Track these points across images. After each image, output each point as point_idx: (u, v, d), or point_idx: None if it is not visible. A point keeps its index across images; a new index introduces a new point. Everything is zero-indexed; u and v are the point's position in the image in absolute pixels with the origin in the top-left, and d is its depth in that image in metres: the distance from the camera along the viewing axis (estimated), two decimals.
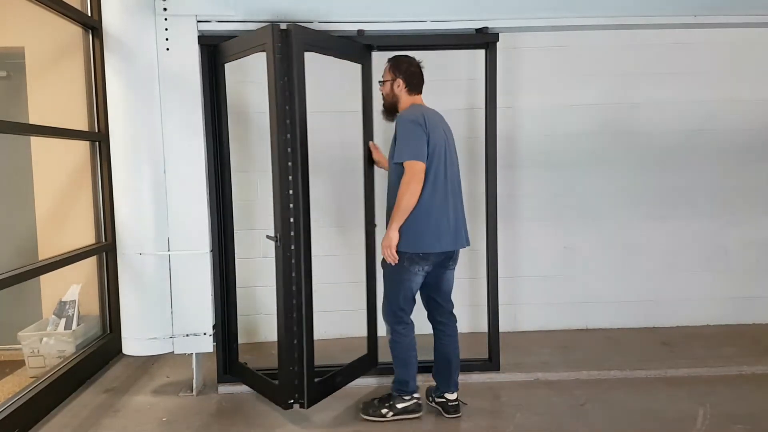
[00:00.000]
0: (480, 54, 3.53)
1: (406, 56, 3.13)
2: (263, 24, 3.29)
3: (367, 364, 3.55)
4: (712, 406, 3.17)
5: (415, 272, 2.97)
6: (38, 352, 3.71)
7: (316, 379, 3.15)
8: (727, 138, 4.42)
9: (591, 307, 4.47)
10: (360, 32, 3.34)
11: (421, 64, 3.12)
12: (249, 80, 4.14)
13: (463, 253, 4.37)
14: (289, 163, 2.99)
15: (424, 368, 3.26)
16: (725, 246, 4.49)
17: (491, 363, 3.63)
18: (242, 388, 3.48)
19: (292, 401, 3.09)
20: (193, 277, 3.35)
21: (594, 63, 4.32)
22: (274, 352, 4.07)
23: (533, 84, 4.31)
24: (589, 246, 4.44)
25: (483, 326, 3.72)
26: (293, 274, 3.04)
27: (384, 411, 3.08)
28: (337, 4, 3.31)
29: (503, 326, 3.68)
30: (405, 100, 3.10)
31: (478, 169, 3.98)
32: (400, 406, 3.09)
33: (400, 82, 3.08)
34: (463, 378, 3.53)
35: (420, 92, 3.13)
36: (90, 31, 3.83)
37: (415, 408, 3.11)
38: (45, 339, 3.73)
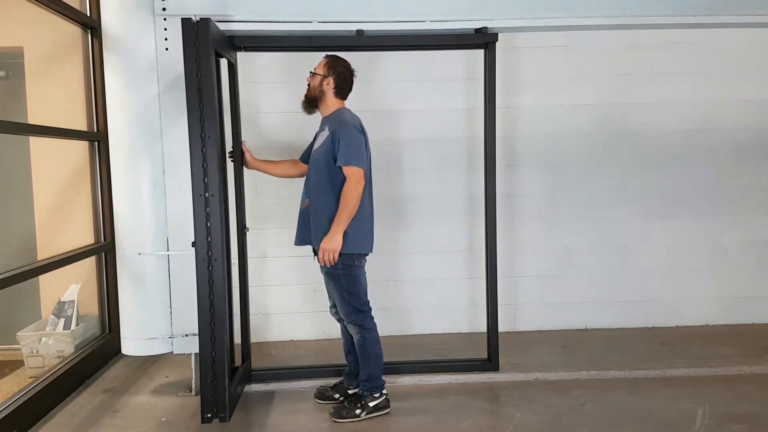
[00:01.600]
0: (479, 54, 3.53)
1: (344, 60, 3.15)
2: (262, 23, 3.30)
3: (248, 372, 3.55)
4: (712, 406, 3.16)
5: (363, 266, 3.12)
6: (37, 352, 3.70)
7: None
8: (728, 138, 4.41)
9: (590, 307, 4.46)
10: (359, 32, 3.33)
11: (354, 74, 3.15)
12: (247, 80, 4.13)
13: (462, 253, 4.41)
14: (204, 165, 2.88)
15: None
16: (725, 246, 4.49)
17: (490, 363, 3.63)
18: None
19: (209, 415, 2.97)
20: (192, 277, 3.34)
21: (594, 63, 4.32)
22: (273, 352, 4.09)
23: (533, 84, 4.30)
24: (588, 246, 4.44)
25: (482, 326, 3.72)
26: (210, 282, 2.91)
27: (357, 411, 3.09)
28: (337, 4, 3.31)
29: (502, 326, 3.68)
30: (330, 101, 3.11)
31: (478, 169, 3.98)
32: (372, 404, 3.11)
33: (330, 81, 3.08)
34: (462, 378, 3.54)
35: (344, 99, 3.15)
36: (89, 31, 3.83)
37: (386, 404, 3.15)
38: (44, 339, 3.73)
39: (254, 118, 4.20)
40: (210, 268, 2.92)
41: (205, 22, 2.87)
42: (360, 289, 3.11)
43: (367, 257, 3.14)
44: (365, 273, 3.14)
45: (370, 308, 3.15)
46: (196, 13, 3.22)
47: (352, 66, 3.14)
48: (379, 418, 3.10)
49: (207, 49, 2.87)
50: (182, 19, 2.87)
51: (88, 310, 4.02)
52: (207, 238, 2.90)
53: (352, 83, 3.15)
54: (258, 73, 4.14)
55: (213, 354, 2.93)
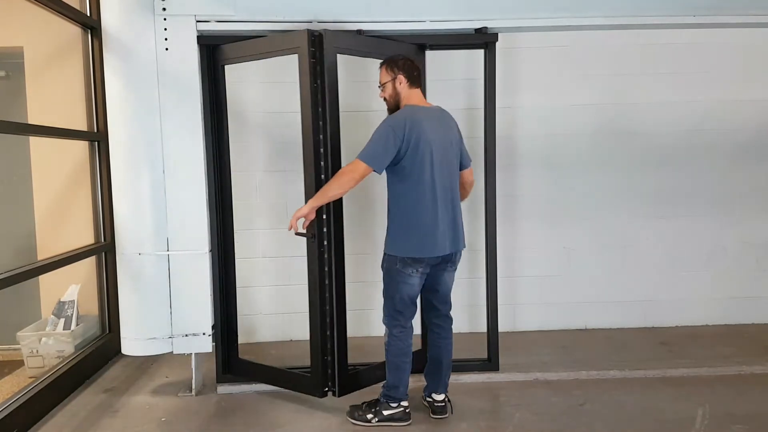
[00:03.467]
0: (479, 54, 3.53)
1: (398, 54, 3.08)
2: (262, 23, 3.30)
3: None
4: (712, 406, 3.17)
5: (409, 274, 2.92)
6: (37, 352, 3.70)
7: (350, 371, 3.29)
8: (727, 138, 4.41)
9: (590, 307, 4.46)
10: (359, 32, 3.34)
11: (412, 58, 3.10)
12: (248, 80, 4.13)
13: (462, 253, 4.39)
14: (321, 163, 3.09)
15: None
16: (725, 246, 4.49)
17: (490, 363, 3.62)
18: (241, 388, 3.48)
19: (326, 389, 3.22)
20: (192, 277, 3.35)
21: (594, 63, 4.32)
22: (273, 352, 4.10)
23: (533, 84, 4.31)
24: (588, 246, 4.44)
25: (482, 326, 3.72)
26: (326, 269, 3.15)
27: (369, 416, 3.02)
28: (337, 4, 3.31)
29: (502, 326, 3.68)
30: (405, 96, 2.98)
31: (477, 169, 3.97)
32: (386, 413, 3.01)
33: (401, 78, 2.96)
34: (462, 378, 3.54)
35: (419, 86, 3.04)
36: (89, 30, 3.82)
37: (402, 416, 3.03)
38: (44, 339, 3.73)
39: (252, 119, 4.20)
40: (325, 257, 3.16)
41: (325, 33, 3.08)
42: (397, 296, 2.95)
43: (422, 265, 2.91)
44: (414, 283, 2.94)
45: (405, 319, 3.00)
46: (195, 12, 3.24)
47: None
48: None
49: (323, 57, 3.08)
50: (308, 30, 3.05)
51: (88, 310, 4.02)
52: (323, 230, 3.14)
53: (417, 67, 3.03)
54: (252, 74, 4.14)
55: (328, 333, 3.20)
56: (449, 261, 3.01)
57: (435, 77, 4.23)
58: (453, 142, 3.00)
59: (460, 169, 3.07)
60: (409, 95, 2.99)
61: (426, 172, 2.88)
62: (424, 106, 3.01)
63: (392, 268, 2.95)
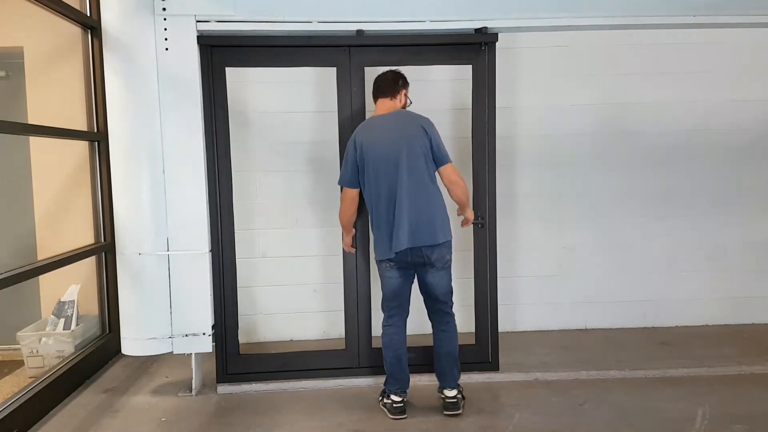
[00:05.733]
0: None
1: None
2: (262, 23, 3.30)
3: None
4: (712, 406, 3.17)
5: (385, 269, 3.15)
6: (37, 352, 3.70)
7: None
8: (728, 138, 4.41)
9: (590, 307, 4.46)
10: (359, 32, 3.34)
11: (396, 68, 3.24)
12: (248, 79, 4.13)
13: (462, 253, 4.38)
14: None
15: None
16: (725, 246, 4.49)
17: (490, 363, 3.63)
18: (241, 388, 3.49)
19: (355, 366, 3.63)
20: (192, 277, 3.35)
21: (594, 63, 4.31)
22: (274, 352, 4.09)
23: (533, 84, 4.30)
24: (588, 246, 4.43)
25: (482, 326, 3.70)
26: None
27: (379, 396, 3.25)
28: (336, 4, 3.31)
29: (502, 326, 3.68)
30: (376, 109, 3.23)
31: (467, 169, 3.97)
32: (385, 399, 3.18)
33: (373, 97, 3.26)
34: (462, 378, 3.52)
35: (381, 95, 3.18)
36: (89, 30, 3.83)
37: (391, 409, 3.13)
38: (44, 339, 3.73)
39: (252, 119, 4.20)
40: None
41: (354, 49, 3.43)
42: (383, 292, 3.20)
43: (391, 263, 3.11)
44: (390, 276, 3.14)
45: (390, 314, 3.19)
46: (195, 12, 3.24)
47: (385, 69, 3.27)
48: (381, 417, 3.12)
49: (356, 68, 3.46)
50: (348, 47, 3.39)
51: (88, 310, 4.02)
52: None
53: (379, 81, 3.21)
54: (252, 74, 4.14)
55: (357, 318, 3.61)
56: (423, 263, 3.08)
57: (434, 77, 4.25)
58: (409, 143, 3.04)
59: (436, 167, 3.12)
60: (376, 109, 3.22)
61: (370, 177, 3.09)
62: (379, 114, 3.19)
63: (379, 269, 3.20)
